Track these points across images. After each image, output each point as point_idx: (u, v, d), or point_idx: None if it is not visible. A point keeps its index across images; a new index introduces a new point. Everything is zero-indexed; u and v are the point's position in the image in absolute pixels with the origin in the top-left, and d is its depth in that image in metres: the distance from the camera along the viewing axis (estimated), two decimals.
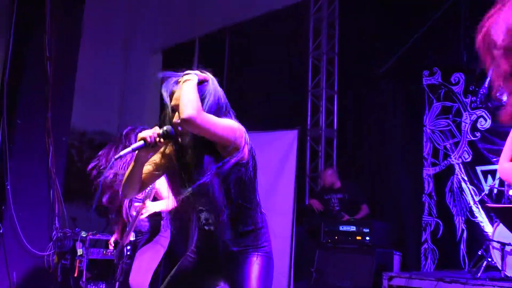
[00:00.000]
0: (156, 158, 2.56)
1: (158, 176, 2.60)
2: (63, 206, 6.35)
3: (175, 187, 2.53)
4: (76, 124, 8.59)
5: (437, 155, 6.78)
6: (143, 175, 2.52)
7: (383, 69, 7.21)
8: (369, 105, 7.59)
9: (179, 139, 2.46)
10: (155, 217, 4.46)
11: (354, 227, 6.52)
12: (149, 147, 2.41)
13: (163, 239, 4.54)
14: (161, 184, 4.37)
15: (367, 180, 7.44)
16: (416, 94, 7.00)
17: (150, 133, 2.40)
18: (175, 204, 2.64)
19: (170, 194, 3.82)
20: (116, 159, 2.41)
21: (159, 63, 10.24)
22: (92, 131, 9.53)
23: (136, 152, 2.43)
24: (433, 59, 6.89)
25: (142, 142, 2.41)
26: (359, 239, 6.43)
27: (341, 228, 6.58)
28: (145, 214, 4.27)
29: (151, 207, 4.27)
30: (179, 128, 2.42)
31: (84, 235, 6.09)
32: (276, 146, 7.23)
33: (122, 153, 2.38)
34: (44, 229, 6.28)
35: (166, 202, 4.35)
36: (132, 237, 4.40)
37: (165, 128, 2.43)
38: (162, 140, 2.42)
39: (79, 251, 6.03)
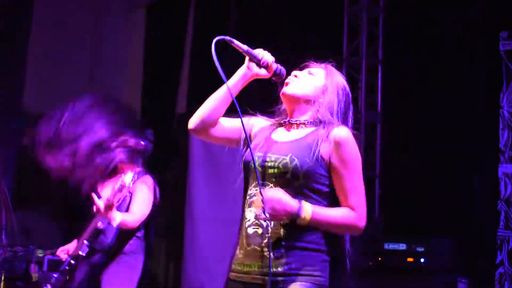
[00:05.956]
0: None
1: (233, 137, 3.08)
2: (12, 215, 6.38)
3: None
4: (30, 104, 8.60)
5: None
6: (227, 121, 3.07)
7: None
8: (426, 79, 7.57)
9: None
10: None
11: (404, 245, 6.51)
12: (258, 64, 3.00)
13: (135, 263, 4.87)
14: (137, 192, 4.79)
15: (422, 181, 7.44)
16: (489, 65, 6.95)
17: (269, 55, 3.01)
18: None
19: (142, 209, 4.16)
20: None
21: (141, 22, 10.25)
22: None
23: (247, 59, 3.01)
24: None
25: (259, 52, 3.00)
26: (411, 262, 6.44)
27: (386, 246, 6.60)
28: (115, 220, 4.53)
29: (117, 215, 4.53)
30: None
31: (40, 255, 6.14)
32: None
33: (236, 42, 2.93)
34: None
35: (136, 216, 4.73)
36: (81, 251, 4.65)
37: (279, 66, 3.04)
38: (272, 71, 3.02)
39: (34, 276, 6.06)
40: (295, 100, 3.02)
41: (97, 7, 10.07)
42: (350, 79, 7.91)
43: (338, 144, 2.84)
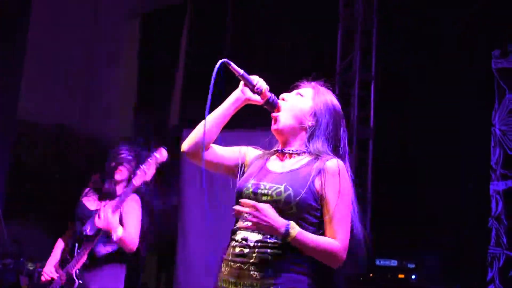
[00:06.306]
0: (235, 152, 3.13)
1: (224, 163, 3.10)
2: (3, 225, 6.33)
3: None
4: (25, 112, 8.57)
5: (509, 164, 6.75)
6: (220, 148, 3.09)
7: None
8: (417, 96, 7.56)
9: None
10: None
11: (396, 262, 6.54)
12: (252, 90, 2.98)
13: (119, 273, 4.91)
14: (130, 212, 4.83)
15: (413, 197, 7.43)
16: (481, 82, 6.96)
17: (263, 83, 2.99)
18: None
19: (134, 232, 4.71)
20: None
21: (136, 31, 10.26)
22: (46, 123, 9.51)
23: (241, 83, 3.01)
24: (508, 33, 6.86)
25: (254, 78, 2.98)
26: (402, 278, 6.43)
27: (378, 262, 6.61)
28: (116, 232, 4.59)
29: (120, 229, 4.63)
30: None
31: (31, 267, 6.09)
32: None
33: (233, 65, 2.91)
34: None
35: (134, 237, 4.77)
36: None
37: (273, 96, 3.02)
38: (266, 98, 3.00)
39: None
40: (285, 132, 3.01)
41: (93, 16, 10.07)
42: (342, 94, 7.95)
43: (330, 176, 2.84)
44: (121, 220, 4.82)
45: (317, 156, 2.92)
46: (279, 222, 2.72)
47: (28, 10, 7.29)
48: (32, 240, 7.71)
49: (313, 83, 3.10)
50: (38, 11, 7.95)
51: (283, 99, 3.04)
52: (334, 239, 2.79)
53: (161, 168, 5.06)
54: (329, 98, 3.06)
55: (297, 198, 2.79)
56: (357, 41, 8.06)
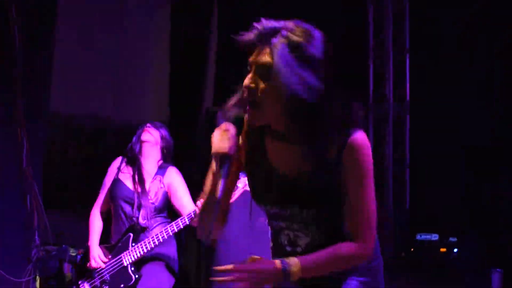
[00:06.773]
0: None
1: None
2: (44, 216, 6.39)
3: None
4: (58, 106, 8.62)
5: None
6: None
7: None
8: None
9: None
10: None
11: (437, 236, 6.57)
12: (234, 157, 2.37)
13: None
14: (180, 186, 4.89)
15: (453, 175, 7.39)
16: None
17: (223, 140, 2.33)
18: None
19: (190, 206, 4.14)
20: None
21: (166, 19, 10.28)
22: (80, 115, 9.56)
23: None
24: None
25: (225, 162, 2.32)
26: (443, 252, 6.41)
27: (418, 237, 6.61)
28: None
29: None
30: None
31: (73, 254, 6.11)
32: None
33: (219, 191, 2.29)
34: (20, 248, 6.31)
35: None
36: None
37: (233, 115, 2.41)
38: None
39: (68, 276, 6.05)
40: (268, 122, 2.42)
41: (123, 5, 10.11)
42: (376, 71, 7.94)
43: (350, 156, 2.34)
44: (173, 196, 4.89)
45: (320, 132, 2.33)
46: (274, 267, 2.31)
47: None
48: (73, 229, 7.77)
49: (268, 37, 2.36)
50: (66, 5, 8.00)
51: (245, 89, 2.35)
52: (351, 233, 2.36)
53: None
54: (290, 47, 2.31)
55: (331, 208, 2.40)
56: (390, 17, 8.06)
